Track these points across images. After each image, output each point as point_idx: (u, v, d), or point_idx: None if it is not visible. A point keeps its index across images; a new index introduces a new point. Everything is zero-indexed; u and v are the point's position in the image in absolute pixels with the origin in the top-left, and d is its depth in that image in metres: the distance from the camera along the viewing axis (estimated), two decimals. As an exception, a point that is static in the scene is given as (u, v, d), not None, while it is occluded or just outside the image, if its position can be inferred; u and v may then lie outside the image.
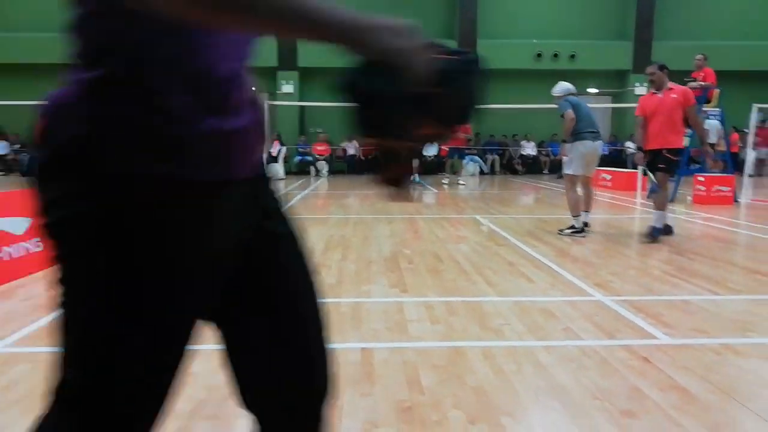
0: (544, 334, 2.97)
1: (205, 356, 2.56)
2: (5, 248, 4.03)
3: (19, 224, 4.23)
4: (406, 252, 5.18)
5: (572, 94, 6.35)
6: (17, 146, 17.67)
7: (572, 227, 6.12)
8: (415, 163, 7.91)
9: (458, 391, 2.30)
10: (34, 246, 4.32)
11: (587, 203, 6.30)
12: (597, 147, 6.14)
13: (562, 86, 6.50)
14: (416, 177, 14.11)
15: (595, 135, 6.11)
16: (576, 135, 6.06)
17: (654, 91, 5.83)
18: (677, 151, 5.74)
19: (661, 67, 5.87)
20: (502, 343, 2.83)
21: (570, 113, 6.03)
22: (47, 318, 3.21)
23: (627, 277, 4.23)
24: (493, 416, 2.09)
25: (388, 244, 5.57)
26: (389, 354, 2.69)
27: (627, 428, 1.99)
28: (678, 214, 7.97)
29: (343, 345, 2.80)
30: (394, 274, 4.31)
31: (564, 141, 6.28)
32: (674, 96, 5.70)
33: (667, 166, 5.68)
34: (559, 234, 6.13)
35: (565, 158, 6.38)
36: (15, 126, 17.94)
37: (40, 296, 3.67)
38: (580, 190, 6.27)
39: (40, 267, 4.33)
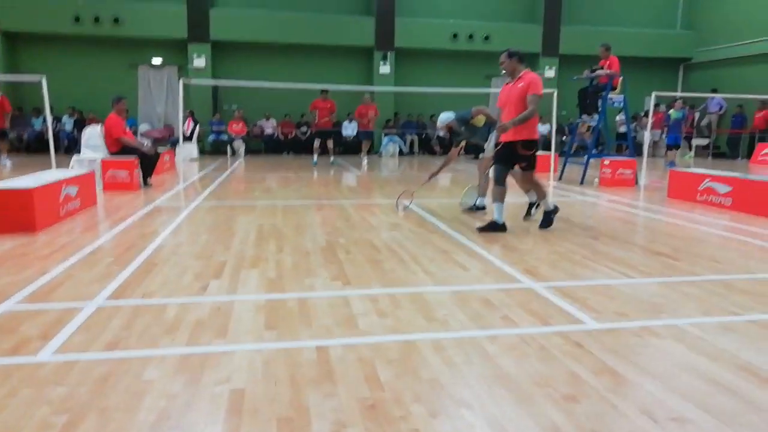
0: (486, 323, 3.16)
1: (160, 362, 2.53)
2: None
3: None
4: (342, 241, 5.24)
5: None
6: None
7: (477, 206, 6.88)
8: (330, 143, 8.03)
9: (416, 385, 2.42)
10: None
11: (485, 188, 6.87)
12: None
13: (445, 117, 7.18)
14: (332, 158, 14.05)
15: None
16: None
17: (508, 79, 5.69)
18: (531, 144, 5.52)
19: (511, 54, 5.59)
20: (449, 335, 2.99)
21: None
22: (-30, 327, 2.99)
23: (551, 262, 4.55)
24: (451, 408, 2.23)
25: (321, 233, 5.60)
26: (344, 351, 2.76)
27: (570, 412, 2.21)
28: (587, 197, 8.58)
29: (298, 343, 2.85)
30: (333, 265, 4.37)
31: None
32: (521, 85, 5.45)
33: (527, 163, 5.59)
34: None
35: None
36: None
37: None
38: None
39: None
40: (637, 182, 10.09)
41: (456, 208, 7.32)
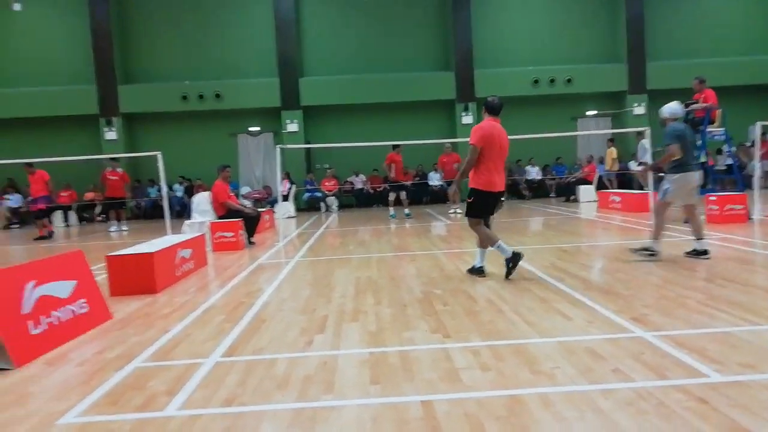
0: (596, 376, 3.03)
1: (273, 417, 2.63)
2: (53, 312, 4.13)
3: (64, 288, 4.33)
4: (438, 292, 5.26)
5: (678, 118, 6.38)
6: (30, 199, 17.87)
7: (647, 249, 6.29)
8: (403, 195, 8.15)
9: (527, 443, 2.36)
10: (80, 308, 4.42)
11: (698, 229, 6.32)
12: (700, 176, 6.37)
13: (670, 108, 6.44)
14: (405, 210, 14.12)
15: (699, 165, 6.27)
16: (682, 166, 6.17)
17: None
18: (470, 192, 5.74)
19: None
20: (557, 389, 2.89)
21: (675, 149, 6.09)
22: (108, 382, 3.29)
23: (661, 309, 4.29)
24: (567, 468, 2.15)
25: (417, 285, 5.66)
26: (449, 406, 2.75)
27: (700, 475, 2.06)
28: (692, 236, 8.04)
29: (402, 399, 2.87)
30: (431, 317, 4.39)
31: (659, 168, 6.67)
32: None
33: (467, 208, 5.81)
34: (633, 251, 6.39)
35: (664, 184, 6.39)
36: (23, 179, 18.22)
37: (92, 360, 3.75)
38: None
39: (86, 328, 4.42)
40: (750, 217, 9.35)
41: (550, 253, 7.13)
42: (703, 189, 10.45)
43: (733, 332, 3.64)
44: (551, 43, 19.50)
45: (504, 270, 5.66)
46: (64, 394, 3.18)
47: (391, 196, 13.86)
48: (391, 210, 13.87)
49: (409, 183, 14.34)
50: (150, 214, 18.28)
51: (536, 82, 18.94)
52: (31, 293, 3.96)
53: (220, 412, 2.82)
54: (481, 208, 5.76)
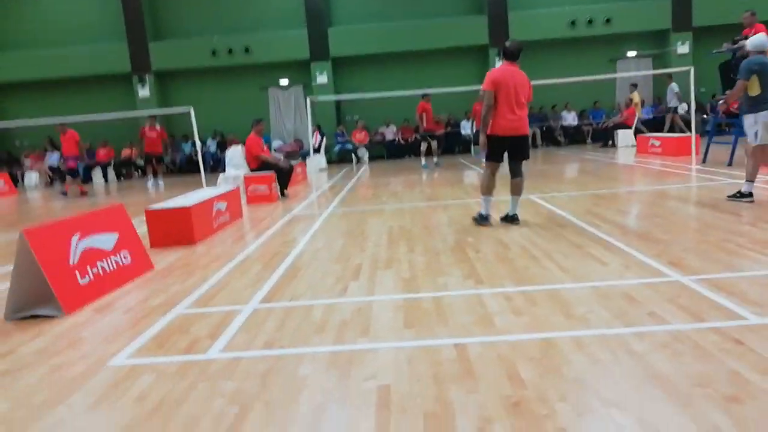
0: (631, 320, 3.02)
1: (312, 359, 2.73)
2: (98, 263, 4.30)
3: (107, 240, 4.50)
4: (470, 240, 5.26)
5: (762, 51, 6.03)
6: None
7: (741, 194, 6.10)
8: (434, 144, 8.18)
9: (559, 383, 2.39)
10: (123, 259, 4.59)
11: (753, 171, 6.12)
12: None
13: (755, 41, 6.13)
14: (434, 159, 13.96)
15: None
16: (757, 104, 5.93)
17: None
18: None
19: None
20: (591, 332, 2.90)
21: (740, 84, 5.93)
22: (153, 327, 3.45)
23: (701, 252, 4.21)
24: (599, 408, 2.18)
25: (450, 233, 5.66)
26: (483, 349, 2.80)
27: (735, 414, 2.05)
28: (738, 180, 7.77)
29: (436, 341, 2.93)
30: (465, 264, 4.41)
31: (725, 102, 6.73)
32: None
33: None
34: (729, 198, 6.18)
35: (747, 127, 6.17)
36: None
37: (138, 308, 3.92)
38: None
39: (130, 278, 4.61)
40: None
41: (586, 199, 7.01)
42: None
43: (776, 275, 3.56)
44: (589, -20, 18.53)
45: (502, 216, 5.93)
46: (113, 338, 3.35)
47: (423, 146, 13.72)
48: (423, 160, 13.77)
49: (440, 132, 14.12)
50: (185, 169, 18.62)
51: (573, 23, 18.14)
52: (77, 245, 4.12)
53: (260, 354, 2.94)
54: (494, 151, 5.75)
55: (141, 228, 6.36)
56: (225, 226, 7.05)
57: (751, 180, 6.06)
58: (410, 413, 2.24)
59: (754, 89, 5.94)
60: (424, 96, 13.47)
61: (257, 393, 2.51)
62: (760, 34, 6.13)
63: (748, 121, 6.09)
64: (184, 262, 5.27)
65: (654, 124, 16.85)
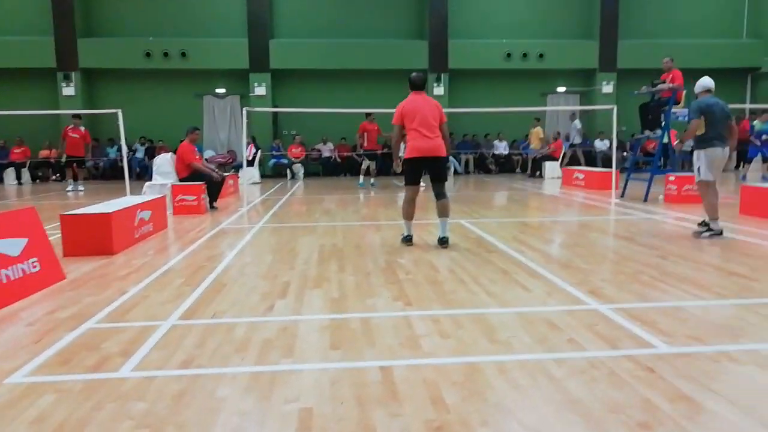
0: (551, 345, 3.10)
1: (232, 380, 2.62)
2: (2, 271, 3.97)
3: (14, 245, 4.17)
4: (401, 261, 5.28)
5: (708, 90, 6.40)
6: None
7: (710, 230, 6.22)
8: (372, 165, 8.40)
9: (482, 407, 2.41)
10: (31, 267, 4.27)
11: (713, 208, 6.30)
12: (725, 153, 6.30)
13: (702, 82, 6.47)
14: (371, 180, 14.04)
15: (724, 141, 6.24)
16: (706, 141, 6.21)
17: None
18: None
19: None
20: (513, 357, 2.95)
21: (694, 123, 6.24)
22: (59, 342, 3.20)
23: (617, 283, 4.41)
24: (519, 433, 2.21)
25: (381, 254, 5.66)
26: (408, 372, 2.78)
27: (645, 440, 2.13)
28: (652, 215, 8.28)
29: (362, 363, 2.89)
30: (394, 286, 4.40)
31: (681, 141, 6.82)
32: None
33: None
34: (696, 237, 6.24)
35: (695, 163, 6.44)
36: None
37: (43, 320, 3.64)
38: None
39: (37, 288, 4.28)
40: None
41: (513, 226, 7.24)
42: (664, 169, 10.74)
43: (683, 306, 3.77)
44: (526, 16, 19.45)
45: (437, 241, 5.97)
46: (12, 353, 3.08)
47: (363, 165, 13.81)
48: (361, 179, 13.85)
49: (379, 152, 14.25)
50: (109, 174, 17.73)
51: (509, 55, 18.93)
52: (-21, 250, 3.79)
53: (176, 374, 2.78)
54: (409, 174, 5.90)
55: (55, 235, 5.97)
56: (148, 237, 6.73)
57: (713, 218, 6.24)
58: (331, 438, 2.18)
59: (701, 128, 6.29)
60: (367, 116, 13.59)
61: (170, 415, 2.36)
62: (705, 77, 6.52)
63: (695, 157, 6.49)
64: (100, 273, 4.97)
65: (576, 158, 17.76)
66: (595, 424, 2.25)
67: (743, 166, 14.02)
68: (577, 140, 16.96)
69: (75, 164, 13.76)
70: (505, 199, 11.15)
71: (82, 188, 13.69)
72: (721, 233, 6.24)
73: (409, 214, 6.02)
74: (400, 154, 6.05)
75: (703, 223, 6.42)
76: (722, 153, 6.31)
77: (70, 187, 13.61)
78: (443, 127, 5.87)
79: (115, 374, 2.78)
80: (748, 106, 17.80)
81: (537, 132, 17.19)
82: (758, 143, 13.49)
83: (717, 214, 6.28)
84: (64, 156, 13.52)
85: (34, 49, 17.42)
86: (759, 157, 13.58)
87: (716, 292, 4.10)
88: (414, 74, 5.97)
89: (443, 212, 5.84)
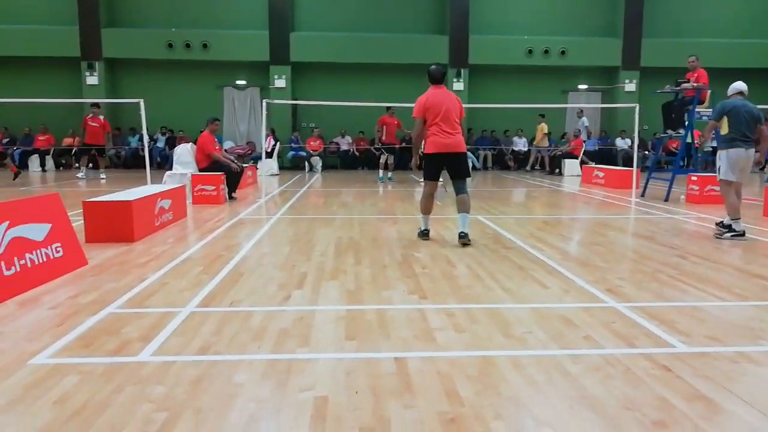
0: (567, 342, 3.09)
1: (249, 367, 2.66)
2: (27, 255, 4.06)
3: (39, 230, 4.26)
4: (418, 255, 5.29)
5: (740, 93, 6.44)
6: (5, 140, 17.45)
7: (732, 230, 6.17)
8: (390, 159, 8.33)
9: (496, 401, 2.41)
10: (54, 252, 4.36)
11: (736, 209, 6.28)
12: (750, 154, 6.29)
13: (734, 86, 6.54)
14: (389, 174, 14.04)
15: (748, 142, 6.23)
16: (728, 142, 6.26)
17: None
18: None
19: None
20: (528, 353, 2.95)
21: (712, 123, 6.49)
22: (81, 326, 3.27)
23: (635, 282, 4.37)
24: (533, 427, 2.21)
25: (398, 247, 5.67)
26: (422, 364, 2.79)
27: (660, 438, 2.12)
28: (673, 215, 8.18)
29: (377, 354, 2.91)
30: (410, 279, 4.42)
31: (702, 136, 6.87)
32: None
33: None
34: (717, 238, 6.20)
35: (717, 162, 6.51)
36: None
37: (66, 304, 3.72)
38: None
39: (60, 273, 4.37)
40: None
41: (531, 223, 7.20)
42: (687, 169, 10.58)
43: (702, 306, 3.73)
44: (548, 13, 19.24)
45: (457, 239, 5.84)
46: (36, 335, 3.15)
47: (382, 159, 13.81)
48: (381, 173, 13.85)
49: (397, 146, 14.24)
50: (130, 163, 17.99)
51: (530, 51, 18.76)
52: (4, 234, 3.88)
53: (193, 359, 2.83)
54: (429, 170, 5.86)
55: (77, 221, 6.09)
56: (168, 225, 6.83)
57: (735, 218, 6.19)
58: (346, 426, 2.21)
59: (724, 129, 6.33)
60: (387, 109, 13.58)
61: (188, 399, 2.41)
62: (739, 81, 6.51)
63: (717, 157, 6.53)
64: (121, 260, 5.05)
65: (599, 156, 17.56)
66: (609, 421, 2.25)
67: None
68: (584, 137, 16.80)
69: (95, 152, 13.95)
70: (523, 196, 11.08)
71: (104, 176, 13.90)
72: (743, 234, 6.13)
73: (427, 208, 6.01)
74: (420, 150, 6.02)
75: (721, 224, 6.34)
76: (745, 154, 6.24)
77: (80, 174, 13.84)
78: (462, 122, 5.84)
79: (135, 358, 2.84)
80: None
81: (542, 128, 17.04)
82: None
83: (738, 214, 6.19)
84: (81, 144, 13.75)
85: (59, 39, 17.69)
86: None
87: (736, 293, 4.04)
88: (433, 67, 5.88)
89: (463, 208, 5.79)
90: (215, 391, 2.49)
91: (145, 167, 9.82)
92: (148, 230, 6.21)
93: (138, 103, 9.63)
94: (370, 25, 18.76)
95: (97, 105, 13.95)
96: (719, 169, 6.39)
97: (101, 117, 13.89)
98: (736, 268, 4.85)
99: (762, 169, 14.17)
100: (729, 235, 6.16)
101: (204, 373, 2.66)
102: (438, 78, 5.83)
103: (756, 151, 6.44)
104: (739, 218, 6.20)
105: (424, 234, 6.07)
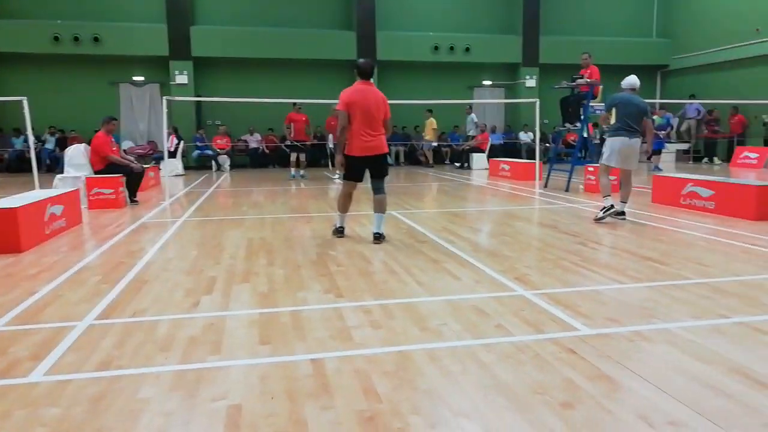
0: (480, 332, 3.18)
1: (155, 380, 2.50)
2: None
3: None
4: (332, 253, 5.24)
5: (633, 89, 6.94)
6: None
7: (606, 208, 6.79)
8: (302, 157, 8.23)
9: (413, 396, 2.43)
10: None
11: (625, 194, 7.03)
12: (633, 143, 6.80)
13: (629, 80, 7.03)
14: (300, 171, 13.94)
15: (632, 132, 6.75)
16: (613, 132, 6.87)
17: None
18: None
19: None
20: (443, 344, 2.99)
21: (603, 116, 7.39)
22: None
23: (541, 269, 4.59)
24: (450, 419, 2.24)
25: (312, 246, 5.59)
26: (339, 363, 2.76)
27: (567, 419, 2.22)
28: (573, 204, 8.68)
29: (292, 357, 2.84)
30: (325, 278, 4.36)
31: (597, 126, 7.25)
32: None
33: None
34: (597, 221, 6.76)
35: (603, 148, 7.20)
36: None
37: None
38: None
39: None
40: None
41: (443, 217, 7.37)
42: (584, 160, 11.27)
43: (602, 290, 3.98)
44: (453, 10, 19.76)
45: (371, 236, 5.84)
46: None
47: (292, 157, 13.58)
48: (292, 170, 13.61)
49: (308, 143, 14.06)
50: (15, 167, 16.48)
51: (436, 48, 19.17)
52: None
53: (93, 376, 2.62)
54: (351, 171, 5.76)
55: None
56: (60, 233, 6.31)
57: (606, 195, 6.94)
58: (261, 435, 2.13)
59: (612, 119, 7.14)
60: (294, 105, 13.36)
61: (87, 420, 2.22)
62: (632, 76, 7.09)
63: (605, 144, 7.17)
64: (6, 272, 4.60)
65: (504, 150, 18.32)
66: (521, 405, 2.32)
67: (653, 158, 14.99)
68: (473, 133, 17.54)
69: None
70: (435, 191, 11.32)
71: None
72: (614, 209, 6.80)
73: (344, 207, 5.97)
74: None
75: (605, 209, 6.93)
76: (628, 143, 6.81)
77: None
78: (387, 122, 5.70)
79: (24, 380, 2.59)
80: (657, 101, 18.97)
81: (431, 123, 17.57)
82: (660, 136, 14.67)
83: (609, 192, 6.99)
84: None
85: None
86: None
87: (631, 276, 4.35)
88: (362, 61, 5.71)
89: (380, 208, 5.75)
90: (118, 408, 2.32)
91: (32, 171, 9.04)
92: (38, 239, 5.71)
93: (21, 102, 8.83)
94: (276, 19, 18.37)
95: None
96: (602, 154, 7.11)
97: None
98: (630, 252, 5.22)
99: (649, 158, 15.38)
100: (602, 213, 6.82)
101: (105, 390, 2.47)
102: (367, 72, 5.64)
103: (642, 142, 6.98)
104: (609, 195, 6.94)
105: (339, 231, 6.03)
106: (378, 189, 5.80)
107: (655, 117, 15.02)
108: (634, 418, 2.22)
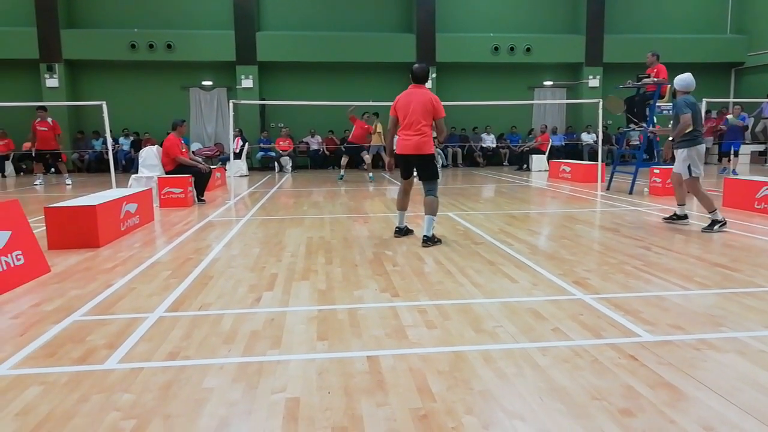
0: (536, 335, 3.14)
1: (219, 371, 2.63)
2: (-15, 264, 3.93)
3: (-3, 238, 4.13)
4: (389, 253, 5.30)
5: (689, 91, 6.41)
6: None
7: (714, 222, 6.24)
8: (368, 158, 8.30)
9: (467, 396, 2.44)
10: (15, 260, 4.22)
11: (684, 196, 6.72)
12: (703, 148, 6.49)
13: (683, 80, 6.45)
14: (342, 172, 14.03)
15: (704, 139, 6.41)
16: (695, 138, 6.32)
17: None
18: None
19: None
20: (498, 346, 2.98)
21: (688, 118, 6.23)
22: (44, 335, 3.18)
23: (601, 274, 4.47)
24: (504, 420, 2.23)
25: (369, 246, 5.68)
26: (395, 361, 2.80)
27: (627, 426, 2.17)
28: (637, 207, 8.38)
29: (349, 354, 2.90)
30: (381, 277, 4.42)
31: (672, 140, 6.44)
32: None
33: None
34: (704, 232, 6.21)
35: (680, 161, 6.47)
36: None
37: (28, 313, 3.61)
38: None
39: (22, 281, 4.24)
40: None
41: (500, 218, 7.28)
42: (649, 162, 10.86)
43: (666, 296, 3.83)
44: (513, 10, 19.48)
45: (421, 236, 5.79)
46: (-4, 346, 3.06)
47: (343, 160, 13.84)
48: (341, 171, 13.88)
49: (367, 146, 14.25)
50: (94, 167, 17.55)
51: (496, 49, 18.95)
52: (-39, 242, 3.75)
53: (162, 365, 2.78)
54: (400, 168, 5.95)
55: (39, 228, 5.92)
56: (134, 229, 6.69)
57: (711, 210, 6.29)
58: (318, 426, 2.20)
59: (691, 124, 6.31)
60: (363, 114, 13.65)
61: (157, 406, 2.37)
62: (687, 74, 6.46)
63: (681, 155, 6.46)
64: (85, 266, 4.93)
65: (565, 152, 17.87)
66: (578, 411, 2.29)
67: (723, 161, 14.25)
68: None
69: (50, 157, 13.34)
70: (492, 192, 11.20)
71: (70, 181, 13.49)
72: (725, 223, 6.31)
73: (399, 204, 6.09)
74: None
75: (674, 216, 6.63)
76: (704, 148, 6.55)
77: (37, 182, 13.36)
78: (439, 122, 5.65)
79: (100, 366, 2.78)
80: (731, 100, 17.98)
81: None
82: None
83: (713, 206, 6.32)
84: (33, 150, 13.21)
85: (16, 40, 17.12)
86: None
87: (698, 282, 4.17)
88: (416, 66, 5.75)
89: (428, 209, 5.72)
90: (185, 396, 2.45)
91: (109, 171, 9.60)
92: (114, 235, 6.08)
93: (100, 106, 9.41)
94: (337, 24, 18.70)
95: (43, 108, 13.22)
96: (689, 168, 6.38)
97: (49, 120, 13.27)
98: (697, 258, 5.00)
99: (718, 160, 14.61)
100: (718, 227, 6.23)
101: (173, 379, 2.62)
102: (419, 77, 5.68)
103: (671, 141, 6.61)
104: (715, 209, 6.30)
105: (396, 231, 6.13)
106: (427, 191, 5.78)
107: (729, 117, 14.24)
108: (698, 428, 2.14)
